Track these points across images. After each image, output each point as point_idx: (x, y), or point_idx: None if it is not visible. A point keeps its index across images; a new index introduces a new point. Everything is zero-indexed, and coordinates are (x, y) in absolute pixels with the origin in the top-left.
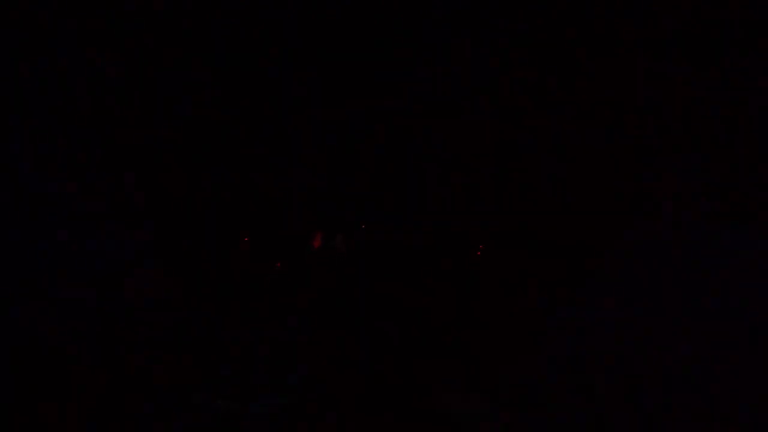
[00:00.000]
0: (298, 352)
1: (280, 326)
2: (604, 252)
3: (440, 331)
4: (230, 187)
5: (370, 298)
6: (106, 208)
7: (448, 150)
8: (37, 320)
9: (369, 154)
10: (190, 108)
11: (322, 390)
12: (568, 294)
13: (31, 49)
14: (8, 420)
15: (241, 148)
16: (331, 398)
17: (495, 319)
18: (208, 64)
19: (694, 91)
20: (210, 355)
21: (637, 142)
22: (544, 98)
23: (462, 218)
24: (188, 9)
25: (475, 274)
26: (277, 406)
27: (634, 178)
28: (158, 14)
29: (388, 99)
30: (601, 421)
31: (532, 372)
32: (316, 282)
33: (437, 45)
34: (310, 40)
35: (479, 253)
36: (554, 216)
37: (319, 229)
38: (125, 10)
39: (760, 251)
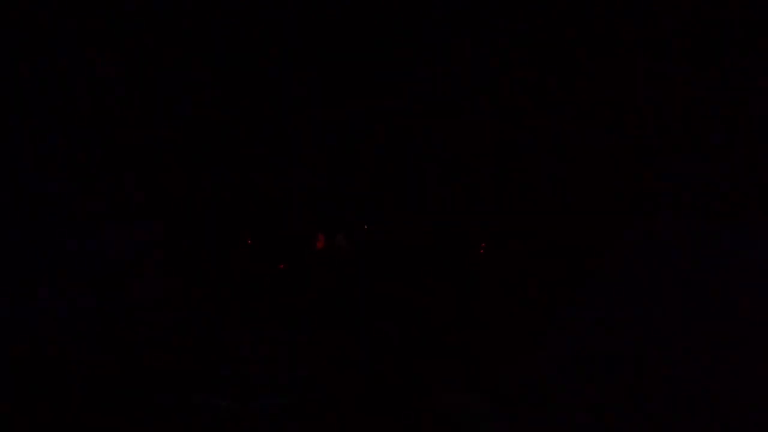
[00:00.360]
0: (298, 352)
1: (280, 326)
2: (604, 252)
3: (440, 331)
4: (231, 187)
5: (371, 298)
6: (107, 208)
7: (448, 150)
8: (38, 320)
9: (369, 154)
10: (190, 108)
11: (322, 390)
12: (568, 294)
13: (31, 48)
14: (8, 419)
15: (242, 148)
16: (331, 398)
17: (495, 319)
18: (208, 64)
19: (694, 91)
20: (210, 355)
21: (637, 142)
22: (544, 98)
23: (462, 218)
24: (188, 9)
25: (476, 274)
26: (277, 405)
27: (634, 178)
28: (158, 14)
29: (388, 99)
30: (602, 420)
31: (532, 372)
32: (316, 282)
33: (437, 45)
34: (310, 39)
35: (482, 251)
36: (554, 216)
37: (321, 229)
38: (125, 10)
39: (760, 251)
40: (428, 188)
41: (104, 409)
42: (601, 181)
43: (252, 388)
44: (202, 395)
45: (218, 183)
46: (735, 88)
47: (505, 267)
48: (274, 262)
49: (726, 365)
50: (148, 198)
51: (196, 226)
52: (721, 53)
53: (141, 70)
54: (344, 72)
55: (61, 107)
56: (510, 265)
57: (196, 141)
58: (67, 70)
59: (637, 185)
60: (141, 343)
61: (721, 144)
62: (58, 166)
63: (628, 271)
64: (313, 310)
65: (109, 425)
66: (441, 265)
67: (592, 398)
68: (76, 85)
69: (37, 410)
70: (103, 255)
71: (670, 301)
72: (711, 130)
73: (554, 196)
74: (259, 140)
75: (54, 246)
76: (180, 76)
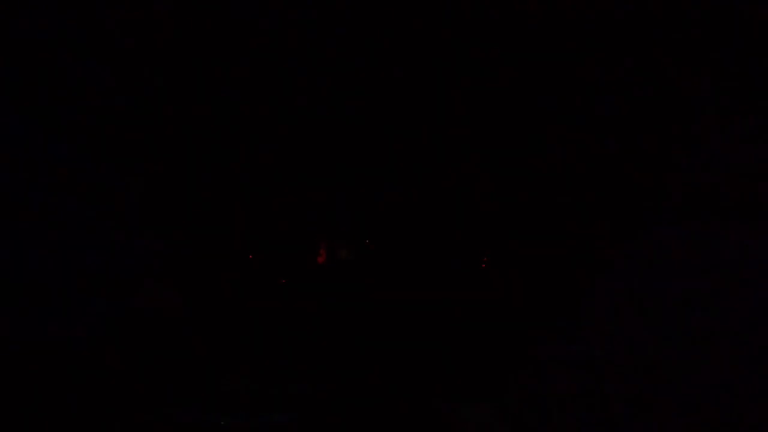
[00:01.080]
0: (299, 368)
1: (281, 341)
2: (610, 255)
3: (445, 341)
4: (233, 199)
5: (375, 309)
6: (113, 216)
7: (450, 157)
8: (40, 330)
9: (372, 164)
10: (198, 117)
11: (326, 404)
12: (572, 300)
13: (29, 51)
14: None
15: (249, 157)
16: (335, 412)
17: (500, 326)
18: (217, 71)
19: (694, 89)
20: (209, 370)
21: (638, 143)
22: (545, 101)
23: (465, 224)
24: (190, 11)
25: (480, 280)
26: (278, 422)
27: (636, 181)
28: (158, 16)
29: (390, 105)
30: (608, 428)
31: (536, 380)
32: (318, 296)
33: (439, 49)
34: (318, 43)
35: (484, 265)
36: (558, 219)
37: (322, 243)
38: (125, 13)
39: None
40: (432, 195)
41: (100, 424)
42: (604, 185)
43: (252, 404)
44: (201, 411)
45: (220, 195)
46: (735, 86)
47: (510, 272)
48: (276, 277)
49: (736, 373)
50: (157, 207)
51: (197, 239)
52: (721, 52)
53: (142, 74)
54: (347, 79)
55: (64, 111)
56: (515, 271)
57: (203, 149)
58: (67, 74)
59: (640, 188)
60: (140, 356)
61: (722, 145)
62: (61, 172)
63: (637, 275)
64: (314, 325)
65: None
66: (444, 276)
67: (598, 406)
68: (76, 87)
69: (36, 422)
70: (111, 265)
71: (680, 306)
72: (711, 129)
73: (556, 199)
74: (262, 152)
75: (60, 255)
76: (187, 83)
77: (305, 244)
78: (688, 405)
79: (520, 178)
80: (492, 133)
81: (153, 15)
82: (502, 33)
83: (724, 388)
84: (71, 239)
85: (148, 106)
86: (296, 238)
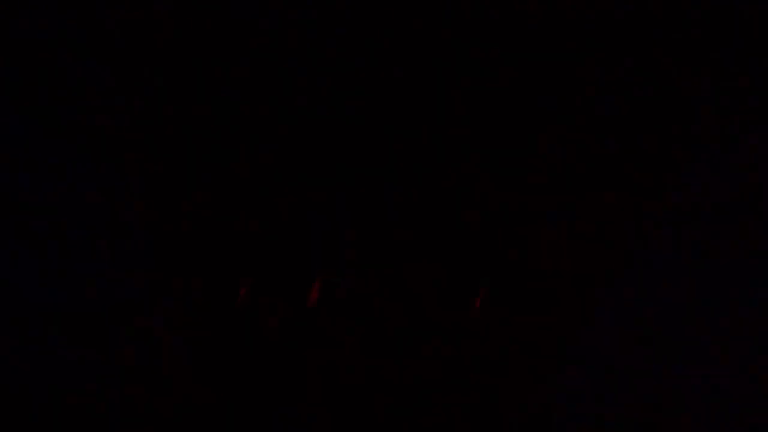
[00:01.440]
0: (303, 408)
1: (284, 380)
2: (610, 255)
3: (447, 376)
4: (238, 197)
5: (373, 348)
6: (113, 216)
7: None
8: (39, 363)
9: (369, 194)
10: (198, 117)
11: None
12: (574, 300)
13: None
14: None
15: (249, 157)
16: (336, 414)
17: (504, 359)
18: (217, 71)
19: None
20: (213, 414)
21: (638, 148)
22: (545, 106)
23: (465, 224)
24: (190, 11)
25: (481, 312)
26: None
27: (636, 181)
28: (158, 16)
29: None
30: (610, 430)
31: (544, 409)
32: (318, 333)
33: (442, 69)
34: (320, 48)
35: (478, 305)
36: (558, 220)
37: (318, 277)
38: (125, 13)
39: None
40: (431, 228)
41: (100, 427)
42: (607, 206)
43: (253, 407)
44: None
45: (220, 195)
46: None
47: (512, 302)
48: (272, 313)
49: (736, 374)
50: (150, 209)
51: (196, 239)
52: (721, 52)
53: (142, 77)
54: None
55: (63, 139)
56: (513, 273)
57: (198, 153)
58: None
59: (639, 190)
60: (145, 398)
61: (722, 145)
62: (61, 200)
63: (634, 277)
64: (316, 363)
65: None
66: (444, 309)
67: (598, 408)
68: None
69: (36, 423)
70: (111, 297)
71: (677, 307)
72: (711, 130)
73: (559, 221)
74: (262, 152)
75: (60, 286)
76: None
77: (305, 244)
78: (689, 405)
79: (520, 178)
80: (492, 133)
81: (153, 15)
82: (502, 33)
83: (724, 389)
84: (71, 239)
85: (148, 106)
86: (296, 238)
